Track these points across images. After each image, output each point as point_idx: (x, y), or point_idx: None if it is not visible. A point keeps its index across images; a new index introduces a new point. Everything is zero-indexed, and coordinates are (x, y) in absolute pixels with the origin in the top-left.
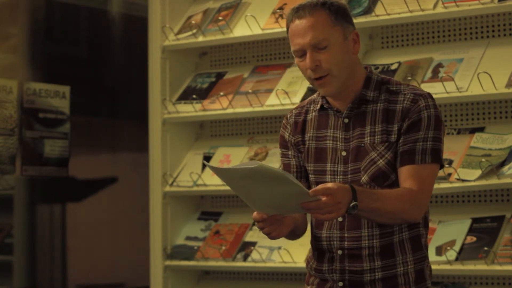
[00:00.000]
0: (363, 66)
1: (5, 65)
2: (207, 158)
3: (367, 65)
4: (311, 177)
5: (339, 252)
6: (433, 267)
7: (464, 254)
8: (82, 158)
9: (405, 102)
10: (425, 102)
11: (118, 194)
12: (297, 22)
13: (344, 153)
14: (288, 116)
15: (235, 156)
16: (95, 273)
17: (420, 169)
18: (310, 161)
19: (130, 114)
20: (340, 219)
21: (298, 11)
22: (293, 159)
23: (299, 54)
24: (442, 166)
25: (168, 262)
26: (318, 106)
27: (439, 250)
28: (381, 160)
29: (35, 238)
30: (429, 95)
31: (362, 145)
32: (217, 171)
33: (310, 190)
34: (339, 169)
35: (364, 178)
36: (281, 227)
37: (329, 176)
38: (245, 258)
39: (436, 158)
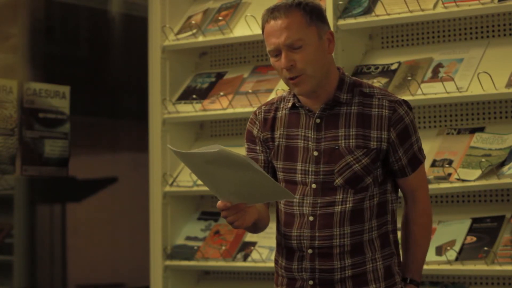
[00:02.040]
0: (336, 67)
1: (5, 65)
2: None
3: (339, 67)
4: (280, 175)
5: (310, 251)
6: (433, 267)
7: (464, 254)
8: (82, 158)
9: (383, 110)
10: (403, 108)
11: (118, 194)
12: (272, 22)
13: (316, 153)
14: (257, 112)
15: None
16: (95, 273)
17: (419, 172)
18: (280, 158)
19: (130, 114)
20: (311, 218)
21: (273, 12)
22: (261, 154)
23: (274, 53)
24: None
25: (168, 262)
26: (290, 104)
27: (439, 250)
28: (357, 165)
29: (35, 238)
30: (403, 100)
31: (337, 147)
32: (181, 155)
33: None
34: (310, 168)
35: (339, 181)
36: (245, 216)
37: (299, 175)
38: (245, 258)
39: (423, 156)
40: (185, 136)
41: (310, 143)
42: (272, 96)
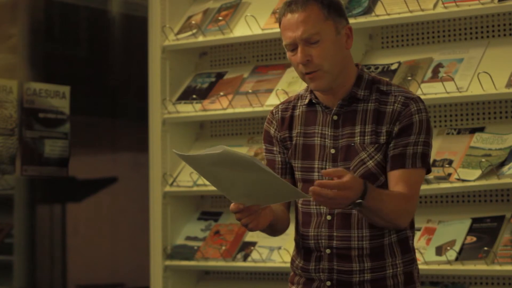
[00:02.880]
0: (354, 63)
1: (5, 65)
2: None
3: (358, 63)
4: (298, 174)
5: (327, 251)
6: (433, 267)
7: (464, 254)
8: (82, 158)
9: (396, 104)
10: (416, 106)
11: (118, 194)
12: (289, 16)
13: (333, 151)
14: (274, 111)
15: None
16: (95, 273)
17: (410, 173)
18: (297, 157)
19: (130, 114)
20: (328, 217)
21: (291, 5)
22: (278, 155)
23: (290, 48)
24: (429, 171)
25: (168, 262)
26: (306, 101)
27: (439, 250)
28: (370, 161)
29: (35, 238)
30: (419, 98)
31: (353, 144)
32: (186, 159)
33: (323, 171)
34: (327, 166)
35: None
36: (259, 218)
37: (316, 174)
38: (245, 258)
39: (425, 163)
40: (185, 136)
41: (327, 140)
42: (272, 96)
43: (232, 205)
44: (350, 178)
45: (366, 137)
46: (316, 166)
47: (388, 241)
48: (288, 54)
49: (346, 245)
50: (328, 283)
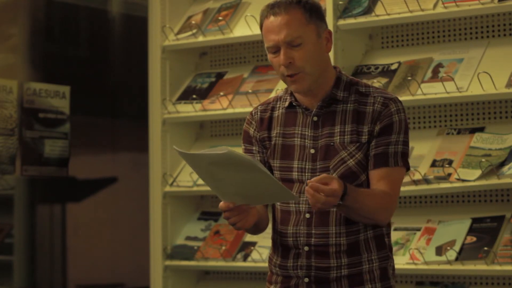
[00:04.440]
0: (332, 66)
1: (5, 65)
2: None
3: (336, 66)
4: (276, 174)
5: (306, 248)
6: (433, 267)
7: (464, 254)
8: (82, 158)
9: (376, 105)
10: (396, 106)
11: (118, 194)
12: (272, 18)
13: (312, 151)
14: (253, 112)
15: None
16: (95, 273)
17: (392, 172)
18: (276, 157)
19: (130, 114)
20: (307, 215)
21: (274, 8)
22: (257, 154)
23: (272, 50)
24: (408, 169)
25: (168, 262)
26: (286, 103)
27: (439, 250)
28: (351, 160)
29: (35, 238)
30: (398, 99)
31: (332, 144)
32: (186, 156)
33: (313, 179)
34: (307, 166)
35: None
36: (247, 217)
37: (295, 173)
38: (245, 258)
39: (406, 161)
40: (185, 136)
41: (307, 141)
42: (273, 96)
43: (221, 204)
44: (339, 186)
45: (346, 137)
46: (295, 165)
47: (363, 236)
48: (270, 56)
49: (324, 242)
50: (306, 279)
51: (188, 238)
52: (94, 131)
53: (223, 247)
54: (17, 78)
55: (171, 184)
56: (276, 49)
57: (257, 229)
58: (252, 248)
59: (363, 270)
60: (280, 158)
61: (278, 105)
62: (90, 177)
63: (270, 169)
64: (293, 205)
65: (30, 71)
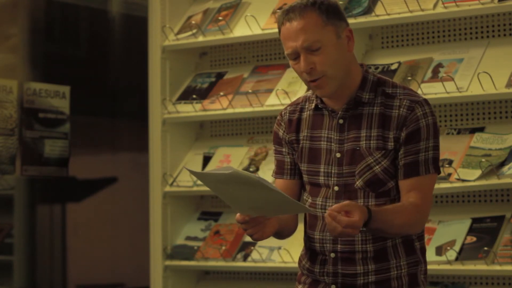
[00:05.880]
0: (359, 64)
1: (5, 65)
2: (207, 158)
3: (363, 63)
4: (305, 177)
5: (332, 255)
6: (433, 267)
7: (464, 254)
8: (82, 158)
9: (402, 109)
10: (422, 110)
11: (118, 194)
12: (287, 25)
13: (338, 155)
14: (283, 113)
15: (235, 156)
16: (95, 273)
17: (423, 180)
18: (304, 161)
19: (130, 114)
20: None
21: (288, 13)
22: (287, 156)
23: (292, 57)
24: (439, 173)
25: (168, 262)
26: (313, 105)
27: (439, 250)
28: (377, 167)
29: (35, 238)
30: (426, 101)
31: (358, 148)
32: (196, 175)
33: (334, 206)
34: (333, 171)
35: (359, 183)
36: (264, 228)
37: (322, 177)
38: (245, 258)
39: (437, 167)
40: (185, 136)
41: (333, 144)
42: (272, 96)
43: (237, 216)
44: (360, 217)
45: (372, 142)
46: (322, 170)
47: (391, 242)
48: (291, 63)
49: (350, 249)
50: (333, 286)
51: (188, 238)
52: (94, 131)
53: (223, 247)
54: (17, 78)
55: (171, 184)
56: (296, 56)
57: (281, 235)
58: (252, 248)
59: (391, 277)
60: (308, 162)
61: (306, 106)
62: (90, 177)
63: (300, 171)
64: (320, 210)
65: (30, 71)
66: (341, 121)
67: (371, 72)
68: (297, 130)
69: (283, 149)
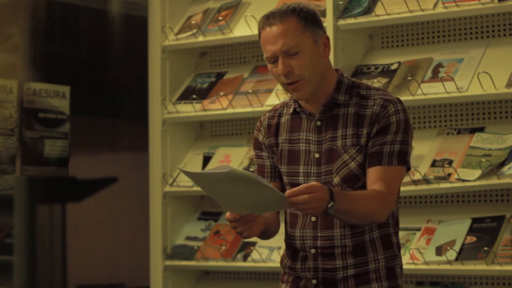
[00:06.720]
0: (334, 69)
1: (5, 65)
2: (207, 158)
3: (338, 68)
4: (285, 179)
5: (312, 251)
6: (433, 267)
7: (464, 254)
8: (82, 158)
9: (375, 107)
10: (394, 107)
11: (118, 194)
12: (268, 29)
13: (317, 155)
14: (262, 119)
15: (235, 156)
16: (95, 273)
17: (387, 170)
18: (284, 163)
19: (130, 114)
20: (313, 218)
21: (269, 19)
22: (267, 160)
23: (271, 60)
24: (408, 169)
25: (168, 262)
26: (291, 109)
27: (439, 250)
28: (352, 163)
29: (35, 238)
30: (398, 100)
31: (335, 147)
32: (190, 175)
33: (295, 188)
34: (312, 170)
35: (336, 180)
36: (253, 226)
37: (302, 178)
38: (245, 258)
39: (403, 160)
40: (185, 136)
41: (311, 145)
42: (272, 96)
43: (228, 214)
44: (314, 182)
45: (347, 140)
46: (302, 170)
47: (369, 237)
48: (269, 66)
49: (329, 244)
50: (314, 281)
51: (188, 238)
52: (94, 131)
53: (223, 247)
54: (17, 78)
55: (171, 184)
56: (274, 59)
57: (266, 235)
58: (252, 248)
59: (369, 269)
60: (287, 163)
61: (284, 111)
62: (90, 177)
63: (280, 173)
64: None
65: (30, 71)
66: (318, 123)
67: (346, 76)
68: (276, 134)
69: (263, 153)
